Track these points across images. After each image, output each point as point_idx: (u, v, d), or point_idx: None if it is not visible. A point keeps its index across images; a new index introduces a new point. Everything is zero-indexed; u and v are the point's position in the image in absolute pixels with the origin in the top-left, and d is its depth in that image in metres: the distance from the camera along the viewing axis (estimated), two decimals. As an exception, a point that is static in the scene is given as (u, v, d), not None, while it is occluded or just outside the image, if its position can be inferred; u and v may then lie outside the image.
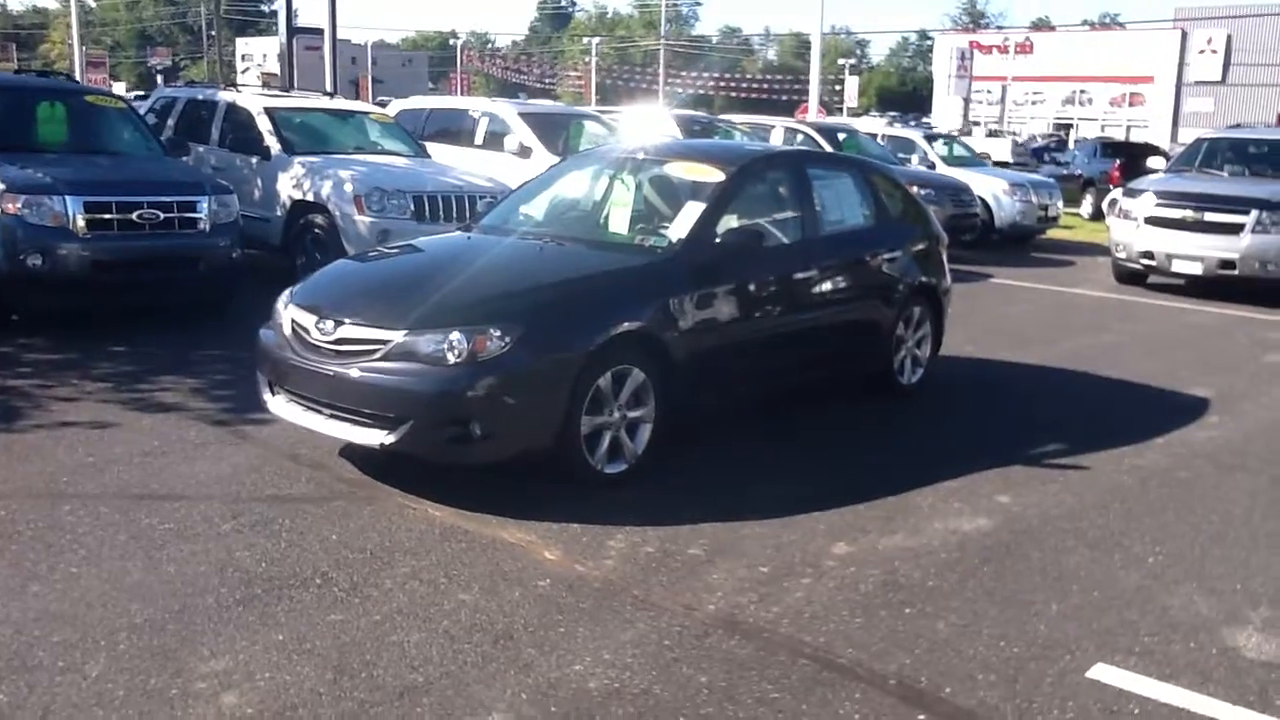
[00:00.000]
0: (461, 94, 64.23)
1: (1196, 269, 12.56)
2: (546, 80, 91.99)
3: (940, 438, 6.56)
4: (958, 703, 3.51)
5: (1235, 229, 12.31)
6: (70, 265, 7.78)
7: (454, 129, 12.87)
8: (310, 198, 9.89)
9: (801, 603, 4.17)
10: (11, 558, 4.29)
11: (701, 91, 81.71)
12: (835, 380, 6.81)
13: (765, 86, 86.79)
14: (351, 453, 5.60)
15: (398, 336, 4.92)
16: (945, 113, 59.67)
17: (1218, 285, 12.66)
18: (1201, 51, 59.17)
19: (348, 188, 9.66)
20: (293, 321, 5.35)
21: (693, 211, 5.86)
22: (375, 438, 4.94)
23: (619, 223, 6.17)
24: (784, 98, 79.56)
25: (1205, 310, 11.97)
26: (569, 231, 6.19)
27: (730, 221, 5.93)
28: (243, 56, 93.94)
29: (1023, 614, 4.15)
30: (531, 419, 4.96)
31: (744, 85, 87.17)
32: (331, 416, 5.12)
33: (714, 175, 6.09)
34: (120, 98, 10.44)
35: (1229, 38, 58.08)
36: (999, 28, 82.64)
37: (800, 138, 15.96)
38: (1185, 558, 4.79)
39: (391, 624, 3.88)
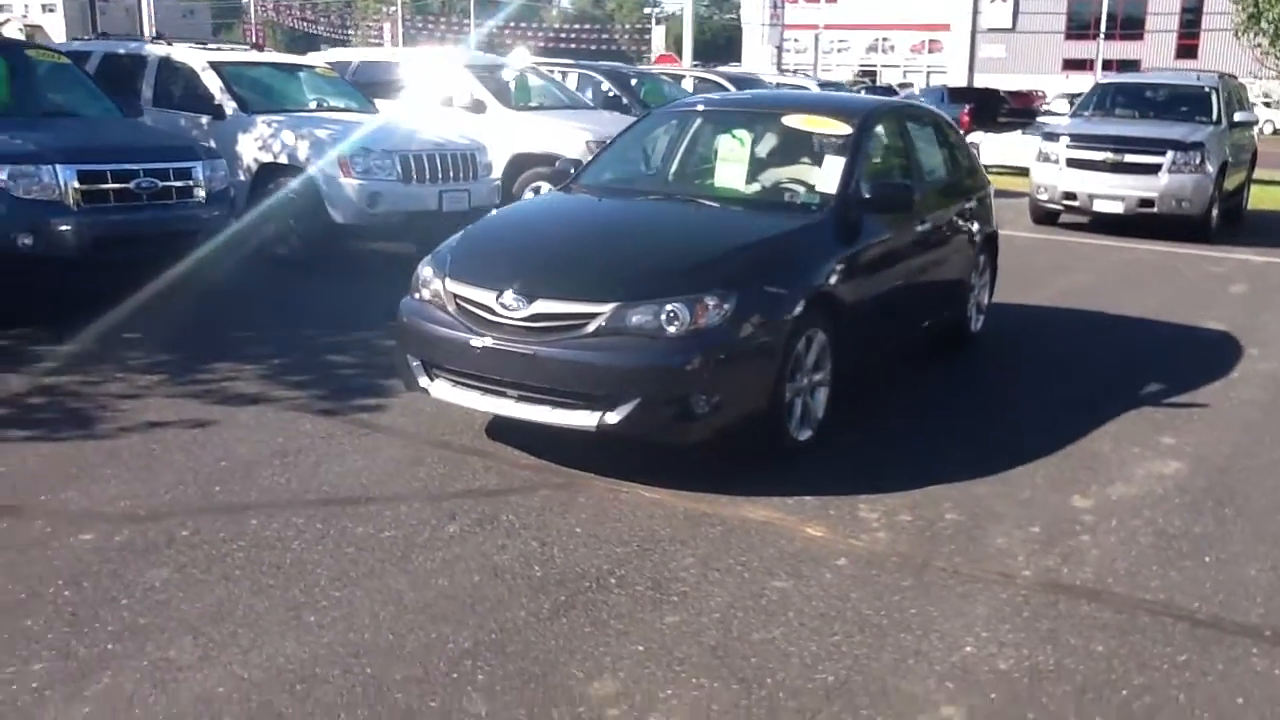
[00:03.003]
0: (256, 45, 60.49)
1: (1118, 208, 13.19)
2: (343, 31, 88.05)
3: (1046, 384, 6.63)
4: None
5: (1153, 169, 12.98)
6: (67, 243, 6.86)
7: (387, 83, 12.07)
8: (283, 160, 9.09)
9: (1103, 561, 4.12)
10: (251, 585, 3.75)
11: (509, 42, 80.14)
12: (934, 332, 6.77)
13: (566, 35, 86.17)
14: (504, 435, 5.20)
15: (607, 309, 4.54)
16: (756, 61, 60.69)
17: (1130, 222, 13.34)
18: (993, 0, 62.14)
19: (329, 148, 8.92)
20: (456, 297, 4.87)
21: (835, 166, 5.65)
22: (589, 419, 4.56)
23: (752, 179, 5.90)
24: (590, 46, 79.24)
25: (1137, 247, 12.61)
26: (700, 191, 5.89)
27: (865, 175, 5.76)
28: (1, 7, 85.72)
29: (1302, 554, 4.24)
30: (748, 389, 4.70)
31: (549, 33, 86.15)
32: (523, 399, 4.70)
33: (841, 128, 5.89)
34: (61, 51, 9.23)
35: (1016, -14, 61.25)
36: None
37: (716, 84, 15.78)
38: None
39: (739, 621, 3.59)
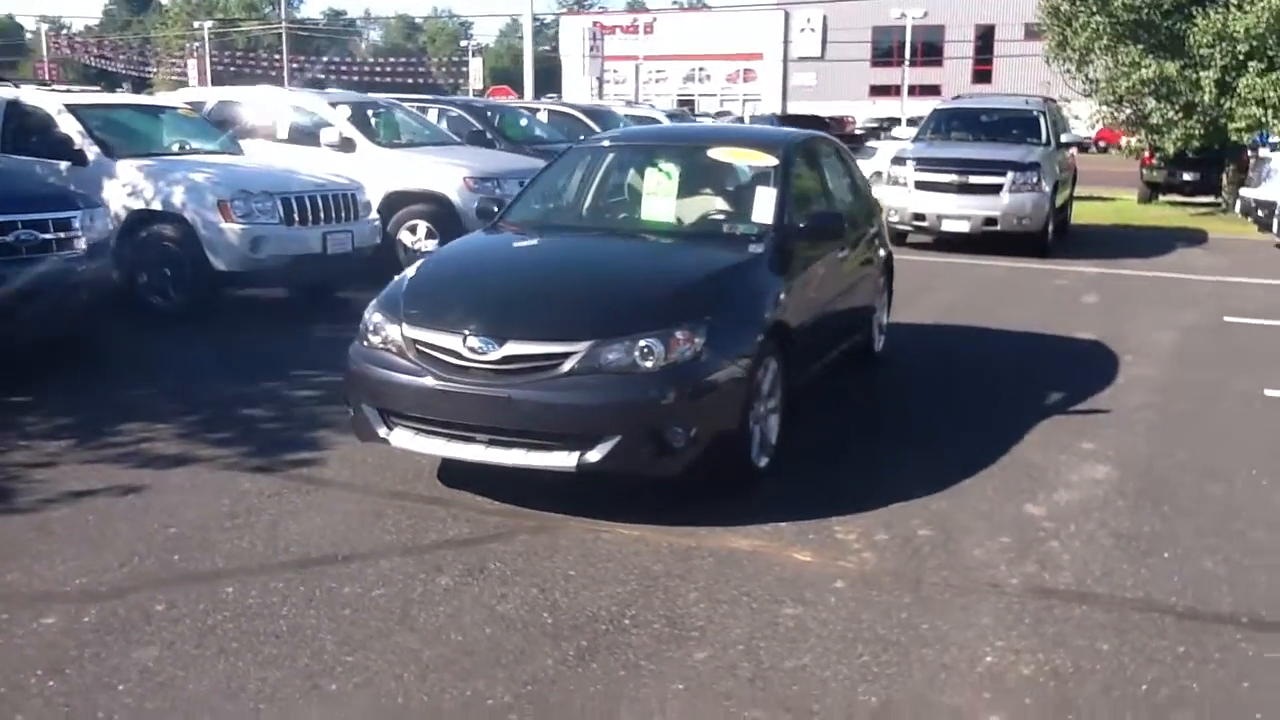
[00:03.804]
0: (48, 84, 57.01)
1: (965, 227, 13.92)
2: (143, 69, 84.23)
3: (957, 397, 6.93)
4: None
5: (995, 189, 13.78)
6: (-60, 304, 6.36)
7: (245, 122, 11.64)
8: (156, 206, 8.65)
9: (1077, 564, 4.34)
10: (253, 656, 3.56)
11: (322, 75, 78.37)
12: (847, 353, 6.99)
13: (380, 69, 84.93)
14: (458, 481, 5.09)
15: (582, 348, 4.52)
16: (577, 92, 61.24)
17: (973, 239, 14.07)
18: (802, 30, 64.74)
19: (208, 193, 8.55)
20: (416, 343, 4.76)
21: (767, 197, 5.80)
22: (567, 460, 4.53)
23: (684, 212, 5.97)
24: (407, 79, 78.24)
25: (985, 264, 13.31)
26: (638, 225, 5.92)
27: (794, 205, 5.92)
28: None
29: (1244, 533, 4.57)
30: (720, 419, 4.75)
31: (361, 68, 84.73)
32: (494, 444, 4.63)
33: (766, 159, 6.05)
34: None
35: (825, 17, 63.90)
36: (642, 7, 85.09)
37: (571, 118, 15.87)
38: None
39: (766, 651, 3.62)
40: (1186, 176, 22.22)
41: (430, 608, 3.92)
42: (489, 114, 14.57)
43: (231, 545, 4.45)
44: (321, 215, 9.03)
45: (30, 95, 9.42)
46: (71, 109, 9.14)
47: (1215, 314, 10.00)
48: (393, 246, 10.56)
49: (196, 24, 76.45)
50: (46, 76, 66.53)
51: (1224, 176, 21.03)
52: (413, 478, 5.23)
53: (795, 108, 57.30)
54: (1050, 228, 14.27)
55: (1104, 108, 20.66)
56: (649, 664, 3.54)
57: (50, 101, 9.26)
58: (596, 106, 19.30)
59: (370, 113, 11.85)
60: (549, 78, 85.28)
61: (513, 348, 4.56)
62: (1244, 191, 16.09)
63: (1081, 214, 18.60)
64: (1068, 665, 3.54)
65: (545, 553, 4.41)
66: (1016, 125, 15.46)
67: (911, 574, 4.25)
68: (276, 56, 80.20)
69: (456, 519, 4.75)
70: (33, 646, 3.60)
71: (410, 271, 5.33)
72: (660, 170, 6.15)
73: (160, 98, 11.29)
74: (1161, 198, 23.36)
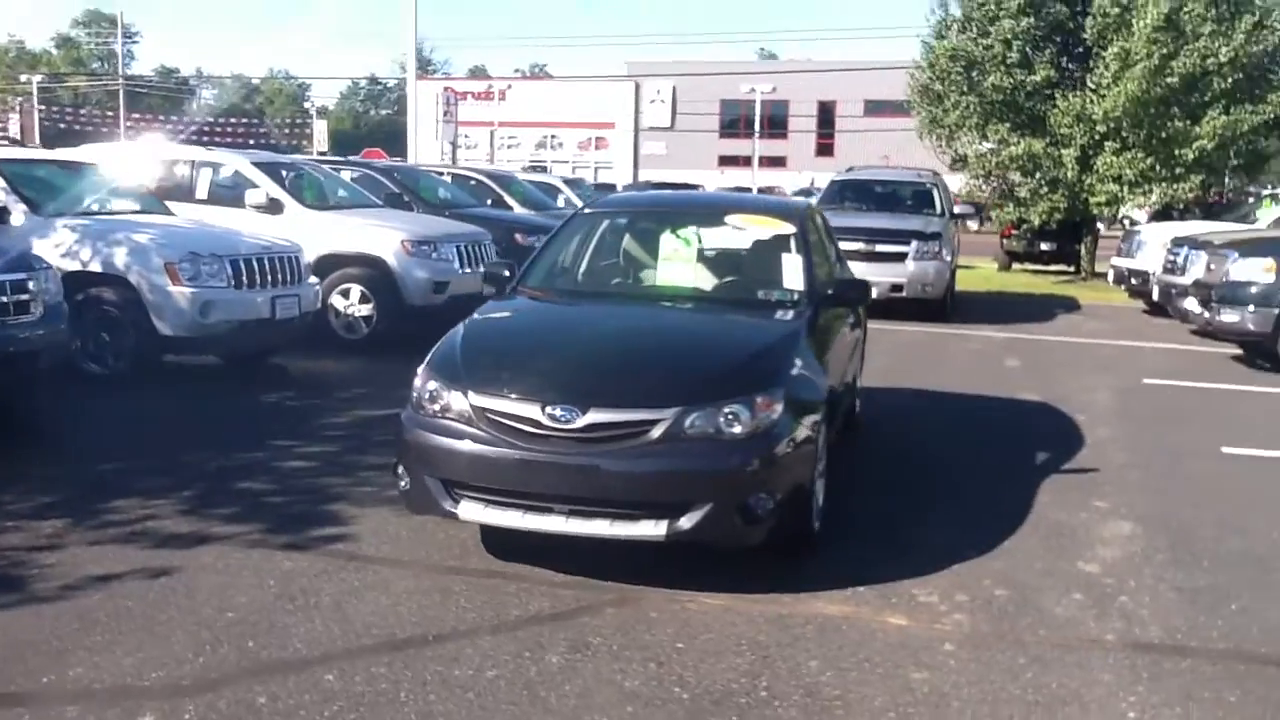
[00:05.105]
0: None
1: (872, 293, 14.30)
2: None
3: (946, 461, 7.09)
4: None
5: (900, 257, 14.30)
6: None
7: (158, 182, 11.06)
8: (96, 267, 8.14)
9: (1158, 618, 4.47)
10: (396, 748, 3.32)
11: (156, 131, 75.58)
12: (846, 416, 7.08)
13: (220, 128, 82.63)
14: (507, 553, 4.91)
15: (669, 414, 4.44)
16: (428, 156, 60.82)
17: (877, 305, 14.50)
18: (652, 101, 66.19)
19: (153, 254, 8.10)
20: (486, 411, 4.58)
21: (795, 264, 5.89)
22: (655, 529, 4.42)
23: (708, 278, 5.97)
24: (249, 140, 76.28)
25: (896, 329, 13.71)
26: (667, 291, 5.88)
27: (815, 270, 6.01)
28: None
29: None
30: (796, 485, 4.73)
31: (202, 127, 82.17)
32: (574, 514, 4.48)
33: (785, 227, 6.14)
34: None
35: (674, 89, 65.56)
36: (484, 74, 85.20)
37: (474, 182, 15.75)
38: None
39: (921, 718, 3.59)
40: (1044, 246, 23.58)
41: (555, 688, 3.74)
42: (396, 176, 14.30)
43: (305, 629, 4.15)
44: (270, 278, 8.67)
45: (-55, 150, 8.77)
46: (-6, 164, 8.55)
47: (1133, 376, 10.57)
48: (323, 311, 10.19)
49: (24, 77, 72.67)
50: None
51: (1082, 247, 22.41)
52: (460, 552, 5.02)
53: (646, 175, 58.40)
54: (950, 295, 14.88)
55: (974, 181, 21.78)
56: (811, 737, 3.46)
57: (-33, 156, 8.64)
58: (497, 171, 19.23)
59: (289, 173, 11.45)
60: (394, 140, 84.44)
61: (596, 415, 4.44)
62: (1116, 261, 17.15)
63: (960, 281, 19.46)
64: (1208, 717, 3.63)
65: (640, 626, 4.28)
66: (911, 197, 16.14)
67: (1011, 634, 4.29)
68: (109, 114, 77.07)
69: (530, 593, 4.56)
70: (143, 749, 3.27)
71: (456, 337, 5.14)
72: (679, 237, 6.14)
73: (77, 153, 10.63)
74: (1017, 266, 24.70)
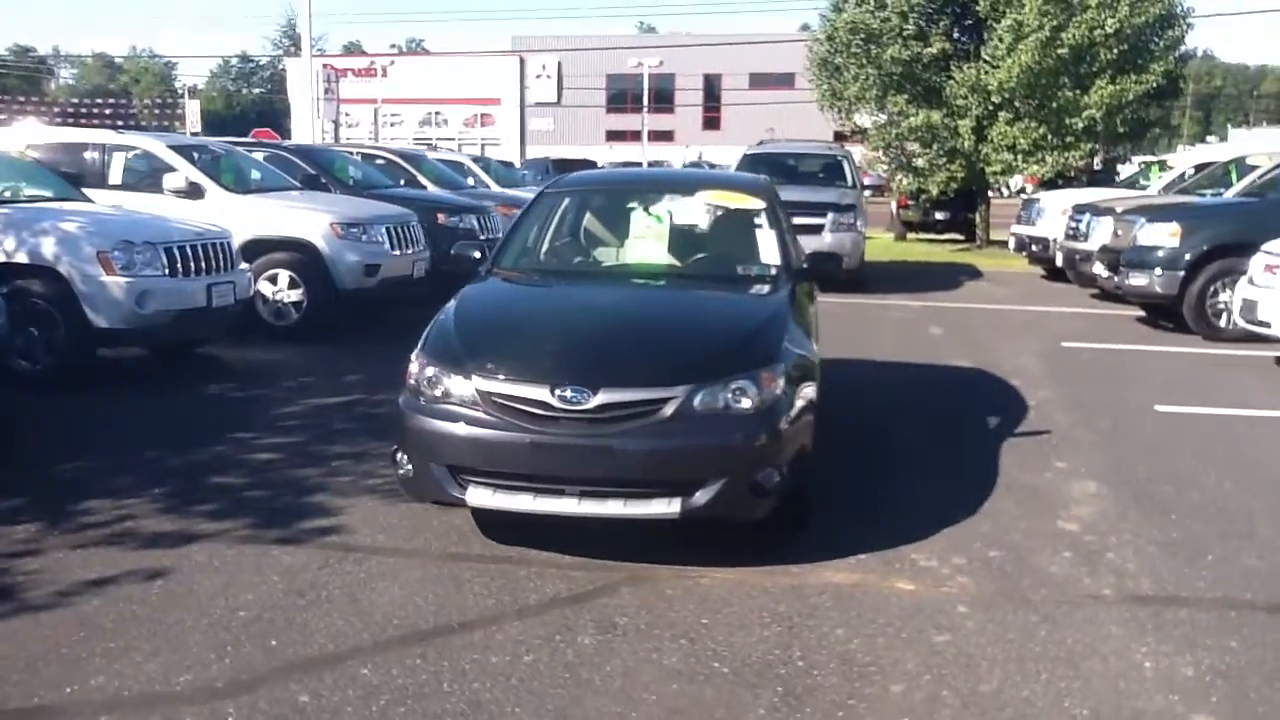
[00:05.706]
0: None
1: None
2: None
3: (901, 426, 7.29)
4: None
5: (817, 229, 14.51)
6: None
7: (63, 167, 10.56)
8: (21, 259, 7.74)
9: (1145, 572, 4.70)
10: (457, 739, 3.30)
11: (13, 114, 71.99)
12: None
13: (84, 109, 79.13)
14: (506, 536, 4.90)
15: (680, 392, 4.47)
16: (307, 134, 59.27)
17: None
18: (538, 76, 65.60)
19: (84, 243, 7.76)
20: (491, 395, 4.55)
21: (770, 239, 5.97)
22: (669, 507, 4.45)
23: (688, 254, 6.00)
24: (117, 122, 73.21)
25: (820, 300, 13.97)
26: (645, 269, 5.89)
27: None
28: None
29: (1254, 533, 5.09)
30: (798, 457, 4.81)
31: (65, 108, 78.53)
32: (586, 496, 4.49)
33: (755, 203, 6.21)
34: None
35: (560, 64, 65.18)
36: (361, 50, 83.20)
37: (383, 162, 15.43)
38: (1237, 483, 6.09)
39: (954, 679, 3.72)
40: (939, 216, 24.25)
41: (596, 669, 3.76)
42: (311, 157, 13.91)
43: (325, 624, 4.08)
44: (205, 266, 8.39)
45: None
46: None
47: (1052, 340, 10.98)
48: (250, 299, 9.89)
49: None
50: None
51: (976, 216, 23.10)
52: (459, 538, 4.98)
53: (534, 152, 57.97)
54: (861, 264, 15.20)
55: (873, 153, 22.24)
56: (860, 705, 3.55)
57: None
58: (408, 150, 18.86)
59: (202, 155, 11.04)
60: (273, 119, 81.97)
61: (607, 395, 4.45)
62: (1016, 228, 17.74)
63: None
64: (1220, 664, 3.84)
65: (661, 603, 4.32)
66: (822, 170, 16.40)
67: (1017, 594, 4.46)
68: (-40, 93, 72.98)
69: (542, 577, 4.56)
70: (196, 757, 3.19)
71: (448, 322, 5.07)
72: (650, 214, 6.16)
73: (-13, 138, 10.08)
74: (912, 235, 25.36)
